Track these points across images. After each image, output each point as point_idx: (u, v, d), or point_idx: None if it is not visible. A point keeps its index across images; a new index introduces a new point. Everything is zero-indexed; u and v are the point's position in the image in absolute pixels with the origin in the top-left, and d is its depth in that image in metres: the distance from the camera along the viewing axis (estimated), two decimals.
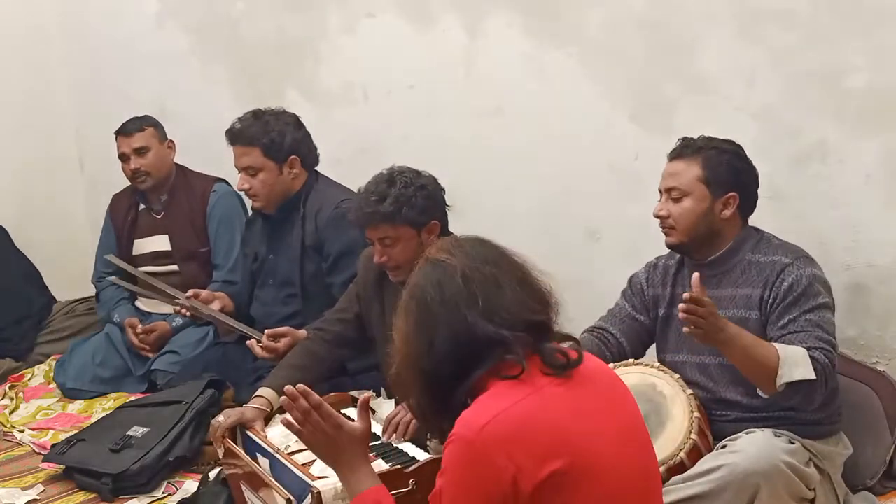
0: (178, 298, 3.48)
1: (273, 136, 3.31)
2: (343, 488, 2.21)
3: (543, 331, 1.71)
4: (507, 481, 1.57)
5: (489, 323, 1.65)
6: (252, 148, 3.31)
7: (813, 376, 2.30)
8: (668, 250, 2.65)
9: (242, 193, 3.54)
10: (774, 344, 2.36)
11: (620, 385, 1.80)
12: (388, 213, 2.67)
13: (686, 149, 2.56)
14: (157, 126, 3.98)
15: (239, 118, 3.38)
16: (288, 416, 1.91)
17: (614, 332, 2.71)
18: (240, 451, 2.58)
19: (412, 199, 2.67)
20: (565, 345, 1.73)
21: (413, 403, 1.77)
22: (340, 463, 1.85)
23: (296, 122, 3.40)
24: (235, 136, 3.35)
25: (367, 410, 1.89)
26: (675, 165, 2.55)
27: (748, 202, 2.56)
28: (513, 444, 1.57)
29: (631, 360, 2.65)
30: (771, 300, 2.44)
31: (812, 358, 2.32)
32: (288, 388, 1.87)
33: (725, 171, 2.51)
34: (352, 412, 2.52)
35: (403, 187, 2.68)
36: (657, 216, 2.57)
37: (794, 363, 2.31)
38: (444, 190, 2.79)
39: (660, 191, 2.59)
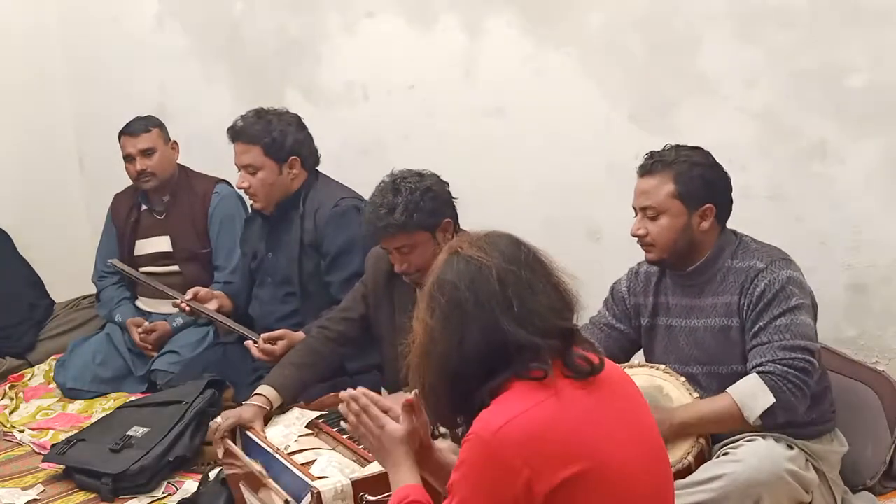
0: (177, 298, 3.48)
1: (275, 136, 3.31)
2: (342, 488, 2.25)
3: (572, 337, 1.70)
4: (522, 484, 1.56)
5: (522, 329, 1.63)
6: (253, 146, 3.31)
7: (772, 400, 2.28)
8: None
9: (242, 192, 3.54)
10: (727, 390, 2.34)
11: (635, 389, 1.79)
12: (401, 223, 2.65)
13: (656, 164, 2.48)
14: (161, 127, 3.98)
15: (241, 116, 3.38)
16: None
17: (593, 343, 2.66)
18: (239, 451, 2.58)
19: (420, 204, 2.66)
20: (585, 348, 1.72)
21: (427, 396, 1.75)
22: (385, 460, 1.88)
23: (298, 123, 3.39)
24: (237, 133, 3.34)
25: (410, 413, 1.89)
26: (647, 182, 2.49)
27: (724, 210, 2.51)
28: (529, 447, 1.57)
29: (637, 362, 2.63)
30: (746, 307, 2.41)
31: (766, 374, 2.30)
32: (343, 394, 1.91)
33: (699, 184, 2.45)
34: None
35: (410, 193, 2.66)
36: (634, 235, 2.52)
37: (752, 397, 2.30)
38: (447, 184, 2.78)
39: (634, 208, 2.53)
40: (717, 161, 2.52)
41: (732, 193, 2.53)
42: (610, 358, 2.58)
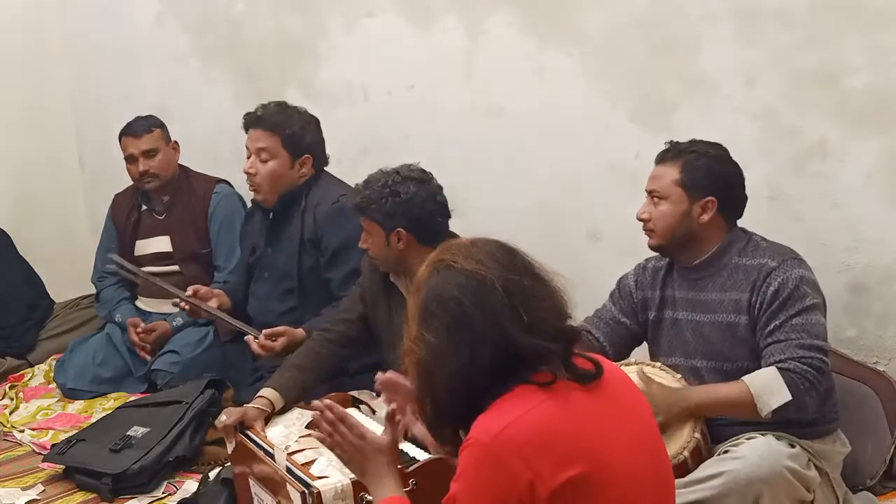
0: (178, 295, 3.47)
1: (295, 130, 3.30)
2: (343, 488, 2.24)
3: (573, 336, 1.69)
4: (524, 487, 1.55)
5: (532, 337, 1.62)
6: (273, 135, 3.28)
7: (788, 397, 2.30)
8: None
9: (245, 178, 3.47)
10: (744, 378, 2.36)
11: (633, 387, 1.79)
12: (357, 204, 2.78)
13: (669, 152, 2.55)
14: (162, 127, 3.97)
15: (262, 105, 3.35)
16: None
17: (598, 336, 2.69)
18: (253, 446, 2.57)
19: (381, 201, 2.72)
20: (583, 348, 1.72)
21: (430, 414, 1.71)
22: (366, 472, 1.87)
23: (316, 124, 3.38)
24: (257, 119, 3.31)
25: (394, 422, 1.88)
26: (659, 169, 2.56)
27: (731, 206, 2.53)
28: (530, 449, 1.56)
29: (633, 360, 2.65)
30: (758, 305, 2.42)
31: (785, 371, 2.32)
32: (315, 402, 1.94)
33: (703, 175, 2.49)
34: (354, 412, 2.53)
35: (382, 187, 2.73)
36: (639, 218, 2.57)
37: (768, 391, 2.32)
38: (440, 203, 2.76)
39: (647, 192, 2.58)
40: (732, 158, 2.54)
41: (744, 191, 2.55)
42: (613, 351, 2.63)
